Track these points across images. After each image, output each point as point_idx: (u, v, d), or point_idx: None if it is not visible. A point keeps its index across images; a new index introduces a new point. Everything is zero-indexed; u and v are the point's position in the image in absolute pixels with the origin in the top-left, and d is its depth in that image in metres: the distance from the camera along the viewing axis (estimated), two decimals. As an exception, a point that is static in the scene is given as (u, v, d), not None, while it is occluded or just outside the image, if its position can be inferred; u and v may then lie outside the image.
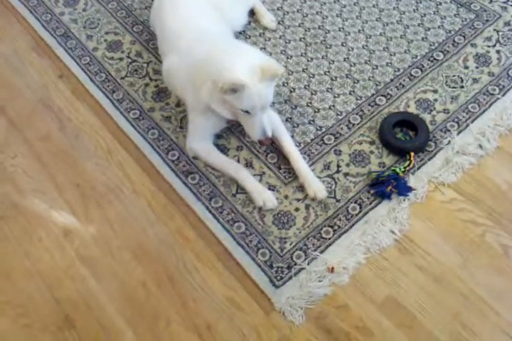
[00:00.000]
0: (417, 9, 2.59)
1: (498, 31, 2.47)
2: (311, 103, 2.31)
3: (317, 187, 2.03)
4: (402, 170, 2.04)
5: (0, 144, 2.30)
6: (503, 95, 2.27)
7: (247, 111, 1.86)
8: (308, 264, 1.90)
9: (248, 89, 1.77)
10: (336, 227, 1.98)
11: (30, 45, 2.61)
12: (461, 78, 2.33)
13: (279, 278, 1.88)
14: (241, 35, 2.53)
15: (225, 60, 1.82)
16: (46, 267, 1.98)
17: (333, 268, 1.87)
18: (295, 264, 1.91)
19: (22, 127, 2.34)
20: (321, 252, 1.92)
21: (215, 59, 1.85)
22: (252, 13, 2.60)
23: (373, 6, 2.63)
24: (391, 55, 2.44)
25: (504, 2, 2.58)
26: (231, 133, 2.24)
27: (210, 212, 2.05)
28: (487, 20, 2.51)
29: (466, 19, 2.53)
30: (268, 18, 2.59)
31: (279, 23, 2.60)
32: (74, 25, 2.65)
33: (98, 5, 2.73)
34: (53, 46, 2.59)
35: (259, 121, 1.91)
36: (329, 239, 1.95)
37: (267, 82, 1.82)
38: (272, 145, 2.18)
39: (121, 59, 2.52)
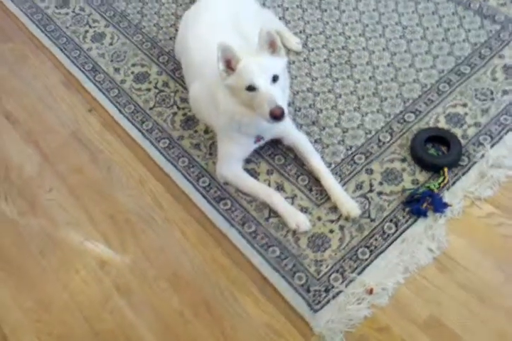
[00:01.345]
0: (441, 24, 2.57)
1: (525, 41, 2.44)
2: (339, 123, 2.30)
3: (350, 206, 2.01)
4: (437, 186, 2.00)
5: (35, 178, 2.34)
6: (536, 105, 2.22)
7: (253, 89, 1.81)
8: (346, 287, 1.87)
9: (242, 60, 1.84)
10: (372, 248, 1.94)
11: (61, 81, 2.68)
12: (490, 90, 2.30)
13: (316, 301, 1.85)
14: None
15: None
16: (84, 299, 1.99)
17: (371, 290, 1.83)
18: (332, 287, 1.88)
19: (55, 161, 2.39)
20: (359, 274, 1.89)
21: None
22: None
23: (396, 24, 2.62)
24: (417, 71, 2.42)
25: (529, 12, 2.55)
26: (260, 157, 2.23)
27: (244, 237, 2.03)
28: (513, 31, 2.49)
29: (491, 31, 2.50)
30: (293, 41, 2.61)
31: (302, 46, 2.61)
32: (101, 60, 2.71)
33: (124, 38, 2.79)
34: (82, 81, 2.65)
35: (266, 92, 1.80)
36: (366, 259, 1.92)
37: (265, 53, 1.87)
38: (302, 167, 2.17)
39: (148, 90, 2.55)
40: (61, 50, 2.79)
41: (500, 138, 2.14)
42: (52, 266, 2.09)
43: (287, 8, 2.79)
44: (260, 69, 1.82)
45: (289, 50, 2.59)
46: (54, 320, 1.96)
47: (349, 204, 2.01)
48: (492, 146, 2.12)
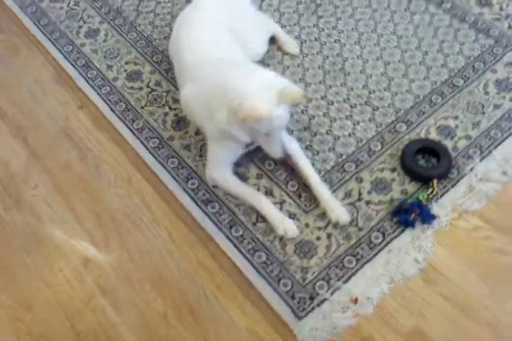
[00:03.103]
0: (436, 36, 2.59)
1: (518, 56, 2.47)
2: (330, 130, 2.30)
3: (339, 211, 2.00)
4: (426, 197, 2.01)
5: (21, 174, 2.32)
6: (526, 121, 2.25)
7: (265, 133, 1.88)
8: (331, 295, 1.86)
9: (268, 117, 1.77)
10: (358, 257, 1.94)
11: (53, 76, 2.65)
12: (482, 104, 2.31)
13: (301, 309, 1.85)
14: (259, 63, 2.51)
15: (242, 86, 1.81)
16: (67, 298, 1.97)
17: (356, 299, 1.83)
18: (318, 295, 1.87)
19: (43, 157, 2.36)
20: (344, 282, 1.89)
21: (231, 83, 1.85)
22: (272, 40, 2.61)
23: (391, 33, 2.63)
24: (410, 81, 2.43)
25: (523, 27, 2.57)
26: (250, 161, 2.23)
27: (231, 241, 2.03)
28: (507, 46, 2.50)
29: (485, 45, 2.52)
30: (291, 44, 2.60)
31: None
32: (94, 56, 2.68)
33: (118, 35, 2.77)
34: (74, 77, 2.62)
35: (278, 140, 1.92)
36: (352, 268, 1.92)
37: (284, 105, 1.83)
38: (292, 173, 2.17)
39: (141, 88, 2.54)
40: (54, 44, 2.76)
41: (490, 152, 2.16)
42: (36, 263, 2.06)
43: (283, 13, 2.79)
44: (279, 123, 1.85)
45: (284, 54, 2.59)
46: (35, 318, 1.94)
47: (339, 210, 2.00)
48: (481, 160, 2.13)
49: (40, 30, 2.83)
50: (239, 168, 2.20)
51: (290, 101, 1.85)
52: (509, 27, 2.58)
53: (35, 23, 2.87)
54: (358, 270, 1.92)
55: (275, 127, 1.86)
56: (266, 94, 1.77)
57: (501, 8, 2.64)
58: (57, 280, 2.02)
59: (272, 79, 1.85)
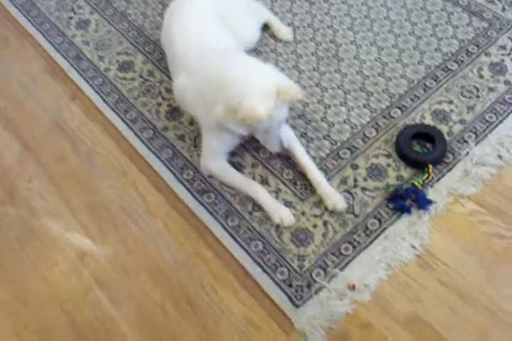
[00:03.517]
0: (429, 20, 2.57)
1: (512, 39, 2.45)
2: (325, 117, 2.28)
3: (336, 199, 2.00)
4: (421, 183, 2.00)
5: (14, 167, 2.30)
6: (521, 103, 2.23)
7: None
8: (328, 282, 1.86)
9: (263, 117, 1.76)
10: (355, 243, 1.94)
11: (44, 68, 2.63)
12: (476, 88, 2.29)
13: (298, 297, 1.84)
14: (252, 51, 2.50)
15: (240, 83, 1.80)
16: (63, 292, 1.96)
17: (354, 286, 1.83)
18: (315, 282, 1.87)
19: (36, 149, 2.34)
20: (341, 269, 1.88)
21: (228, 78, 1.84)
22: (264, 28, 2.59)
23: (384, 18, 2.61)
24: (404, 66, 2.41)
25: (517, 10, 2.55)
26: (245, 151, 2.21)
27: (227, 230, 2.02)
28: (501, 29, 2.48)
29: (479, 28, 2.50)
30: (284, 31, 2.59)
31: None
32: (86, 47, 2.66)
33: (109, 26, 2.75)
34: (66, 68, 2.60)
35: (276, 135, 1.94)
36: (349, 255, 1.91)
37: (283, 103, 1.83)
38: (288, 161, 2.15)
39: (133, 79, 2.52)
40: (44, 36, 2.74)
41: (485, 135, 2.14)
42: (31, 257, 2.05)
43: (275, 0, 2.76)
44: (277, 120, 1.87)
45: (277, 41, 2.57)
46: (32, 313, 1.93)
47: (335, 197, 2.00)
48: (477, 144, 2.12)
49: (30, 22, 2.82)
50: (234, 158, 2.19)
51: (289, 100, 1.85)
52: (503, 9, 2.56)
53: (24, 15, 2.85)
54: (354, 257, 1.91)
55: (274, 124, 1.87)
56: (265, 93, 1.77)
57: (495, -9, 2.62)
58: (53, 274, 2.01)
59: (269, 75, 1.85)
